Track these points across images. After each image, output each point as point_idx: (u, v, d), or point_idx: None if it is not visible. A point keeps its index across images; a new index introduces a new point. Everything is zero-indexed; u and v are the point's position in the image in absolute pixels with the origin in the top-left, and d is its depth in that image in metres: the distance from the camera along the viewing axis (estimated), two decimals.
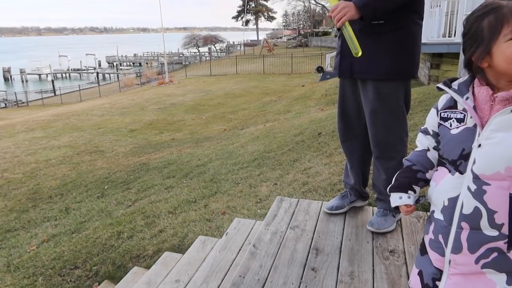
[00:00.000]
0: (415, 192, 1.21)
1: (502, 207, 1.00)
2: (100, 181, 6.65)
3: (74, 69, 47.30)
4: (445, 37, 8.25)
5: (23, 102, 26.59)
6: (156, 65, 38.66)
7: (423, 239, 1.22)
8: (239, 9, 73.71)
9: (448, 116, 1.11)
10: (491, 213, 1.01)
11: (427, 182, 1.21)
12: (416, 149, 1.26)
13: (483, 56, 1.03)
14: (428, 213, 1.23)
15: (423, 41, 8.02)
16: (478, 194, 1.02)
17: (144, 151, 8.70)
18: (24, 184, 7.08)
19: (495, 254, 1.03)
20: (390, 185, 1.25)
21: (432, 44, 7.95)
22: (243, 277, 1.83)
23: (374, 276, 1.78)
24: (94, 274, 3.38)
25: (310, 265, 1.88)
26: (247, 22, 73.30)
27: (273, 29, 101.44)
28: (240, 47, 58.19)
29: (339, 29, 1.79)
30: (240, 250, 2.51)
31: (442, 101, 1.16)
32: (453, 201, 1.07)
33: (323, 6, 57.40)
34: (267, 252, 2.00)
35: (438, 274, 1.14)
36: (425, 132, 1.22)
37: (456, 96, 1.10)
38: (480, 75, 1.08)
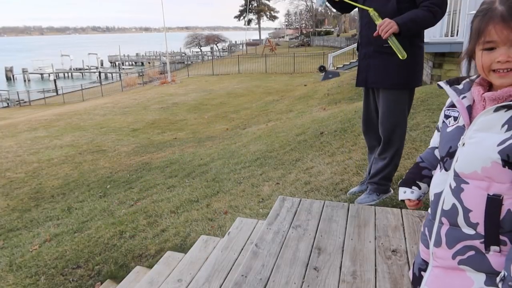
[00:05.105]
0: (419, 188, 1.25)
1: (477, 207, 1.00)
2: (102, 180, 6.66)
3: (76, 68, 47.40)
4: (448, 36, 8.20)
5: (25, 102, 26.69)
6: (158, 64, 38.69)
7: None
8: (241, 8, 73.69)
9: (449, 114, 1.14)
10: (466, 211, 1.02)
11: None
12: (429, 146, 1.29)
13: (471, 55, 1.05)
14: None
15: (425, 40, 7.99)
16: (457, 191, 1.04)
17: (146, 150, 8.71)
18: (27, 184, 7.10)
19: (471, 253, 1.03)
20: (400, 180, 1.31)
21: (434, 43, 7.90)
22: (245, 277, 1.83)
23: (376, 276, 1.78)
24: (96, 273, 3.39)
25: (312, 264, 1.88)
26: (249, 21, 73.32)
27: (275, 29, 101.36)
28: (242, 47, 58.26)
29: (385, 39, 2.29)
30: (242, 249, 2.51)
31: (449, 99, 1.17)
32: (438, 196, 1.10)
33: (325, 5, 57.21)
34: (270, 251, 2.00)
35: (424, 265, 1.18)
36: (437, 129, 1.24)
37: (452, 94, 1.11)
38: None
